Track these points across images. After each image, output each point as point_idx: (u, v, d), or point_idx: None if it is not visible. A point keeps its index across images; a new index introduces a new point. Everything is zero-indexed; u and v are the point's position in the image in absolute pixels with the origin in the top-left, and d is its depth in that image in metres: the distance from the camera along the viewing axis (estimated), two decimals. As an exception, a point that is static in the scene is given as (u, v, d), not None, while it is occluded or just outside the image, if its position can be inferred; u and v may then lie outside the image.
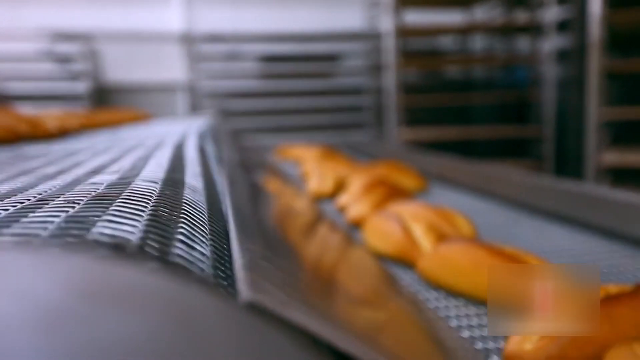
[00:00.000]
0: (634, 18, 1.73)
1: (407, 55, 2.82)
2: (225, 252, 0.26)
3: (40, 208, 0.24)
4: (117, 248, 0.18)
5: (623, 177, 1.85)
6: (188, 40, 3.33)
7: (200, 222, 0.27)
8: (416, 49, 3.26)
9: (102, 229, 0.20)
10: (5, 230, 0.20)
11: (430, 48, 3.38)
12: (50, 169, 0.44)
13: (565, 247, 0.64)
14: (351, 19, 3.45)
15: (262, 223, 0.35)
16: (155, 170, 0.39)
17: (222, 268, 0.23)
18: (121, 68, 3.33)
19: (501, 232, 0.71)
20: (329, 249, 0.50)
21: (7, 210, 0.24)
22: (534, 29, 2.69)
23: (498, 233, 0.69)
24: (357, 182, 0.91)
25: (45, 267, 0.15)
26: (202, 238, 0.25)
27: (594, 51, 1.80)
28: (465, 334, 0.41)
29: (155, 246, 0.20)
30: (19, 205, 0.25)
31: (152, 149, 0.59)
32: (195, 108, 3.35)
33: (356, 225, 0.75)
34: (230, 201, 0.35)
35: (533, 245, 0.62)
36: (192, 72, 3.35)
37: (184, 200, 0.30)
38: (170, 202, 0.28)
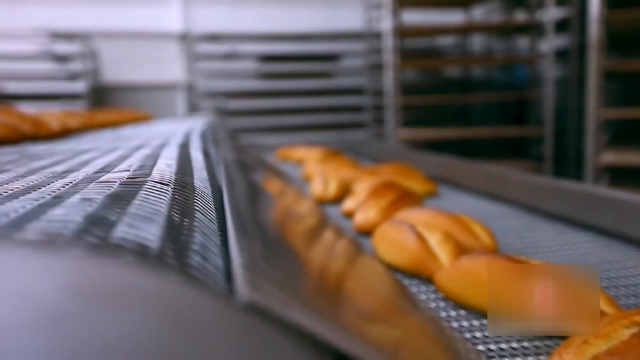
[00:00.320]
0: (633, 18, 1.73)
1: (407, 55, 2.82)
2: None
3: (57, 206, 0.24)
4: (140, 253, 0.19)
5: (621, 176, 1.85)
6: (187, 39, 3.33)
7: (212, 231, 0.27)
8: (416, 49, 3.26)
9: (122, 232, 0.21)
10: (26, 227, 0.20)
11: (429, 48, 3.38)
12: (59, 168, 0.44)
13: (590, 253, 0.61)
14: (350, 19, 3.45)
15: (261, 224, 0.35)
16: (165, 170, 0.39)
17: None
18: (120, 67, 3.33)
19: (519, 238, 0.67)
20: (330, 250, 0.49)
21: (24, 208, 0.24)
22: (533, 29, 2.69)
23: (515, 240, 0.66)
24: (363, 185, 0.86)
25: (45, 267, 0.15)
26: (213, 247, 0.25)
27: (593, 51, 1.80)
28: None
29: (172, 254, 0.20)
30: (36, 204, 0.25)
31: (158, 149, 0.59)
32: (193, 108, 3.35)
33: (363, 232, 0.71)
34: (229, 202, 0.35)
35: (554, 254, 0.59)
36: (191, 72, 3.35)
37: (196, 207, 0.30)
38: (183, 207, 0.28)
